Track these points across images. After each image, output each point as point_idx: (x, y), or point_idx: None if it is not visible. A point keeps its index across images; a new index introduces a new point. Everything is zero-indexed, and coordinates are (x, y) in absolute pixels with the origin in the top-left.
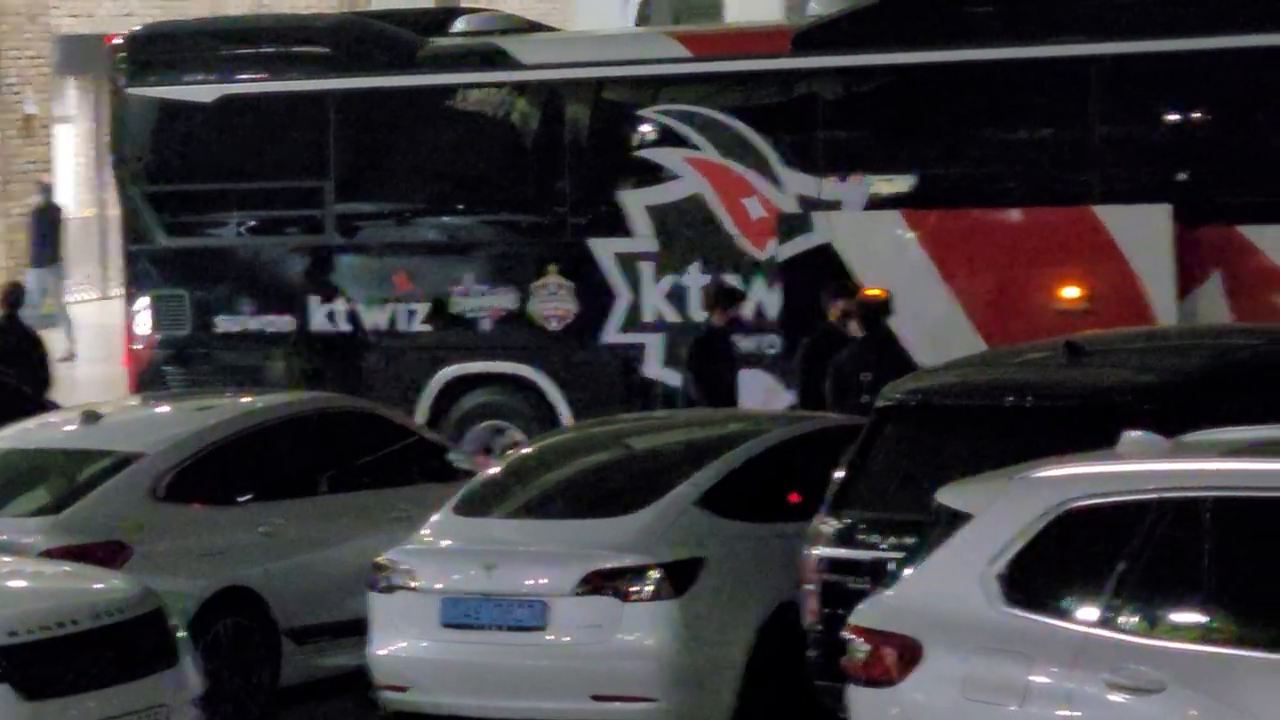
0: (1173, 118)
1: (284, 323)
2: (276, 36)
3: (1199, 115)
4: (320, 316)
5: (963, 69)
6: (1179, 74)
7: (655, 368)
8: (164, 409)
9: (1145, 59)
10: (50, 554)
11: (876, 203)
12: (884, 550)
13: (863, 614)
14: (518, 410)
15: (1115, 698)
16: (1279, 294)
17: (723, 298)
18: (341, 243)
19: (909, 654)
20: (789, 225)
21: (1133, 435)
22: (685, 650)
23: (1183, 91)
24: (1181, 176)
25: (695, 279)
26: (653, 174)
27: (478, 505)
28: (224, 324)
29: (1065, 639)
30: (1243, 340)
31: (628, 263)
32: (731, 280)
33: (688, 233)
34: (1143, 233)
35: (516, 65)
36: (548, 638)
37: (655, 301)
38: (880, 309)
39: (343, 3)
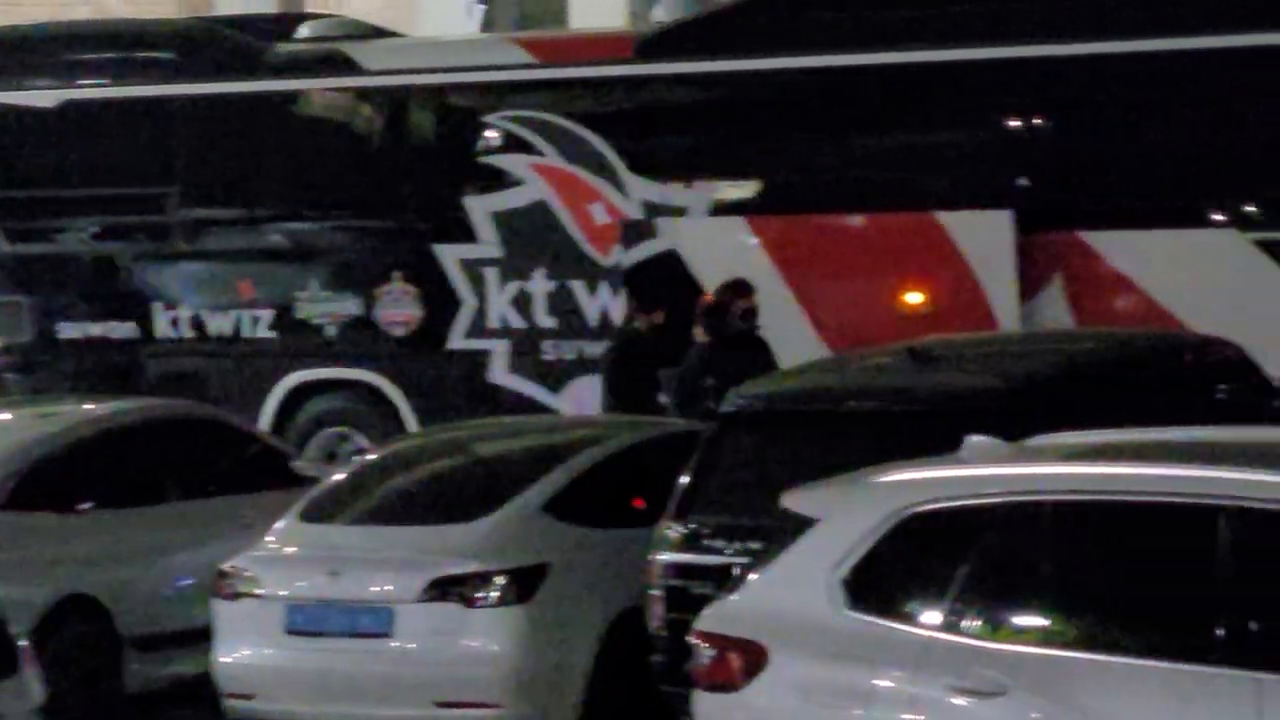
0: (1015, 124)
1: (128, 329)
2: (120, 42)
3: (1041, 121)
4: (164, 323)
5: (807, 76)
6: (1020, 80)
7: (501, 374)
8: (4, 416)
9: (988, 66)
10: None
11: (721, 209)
12: (729, 555)
13: (708, 619)
14: (363, 417)
15: (958, 701)
16: (1121, 299)
17: (645, 303)
18: (186, 249)
19: (754, 659)
20: (634, 231)
21: (975, 440)
22: (530, 656)
23: (1025, 97)
24: (1023, 182)
25: (541, 285)
26: (498, 180)
27: (323, 512)
28: (67, 331)
29: (909, 643)
30: (1085, 345)
31: (473, 269)
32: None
33: (533, 239)
34: (985, 238)
35: (361, 71)
36: (393, 644)
37: (500, 308)
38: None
39: (184, 7)
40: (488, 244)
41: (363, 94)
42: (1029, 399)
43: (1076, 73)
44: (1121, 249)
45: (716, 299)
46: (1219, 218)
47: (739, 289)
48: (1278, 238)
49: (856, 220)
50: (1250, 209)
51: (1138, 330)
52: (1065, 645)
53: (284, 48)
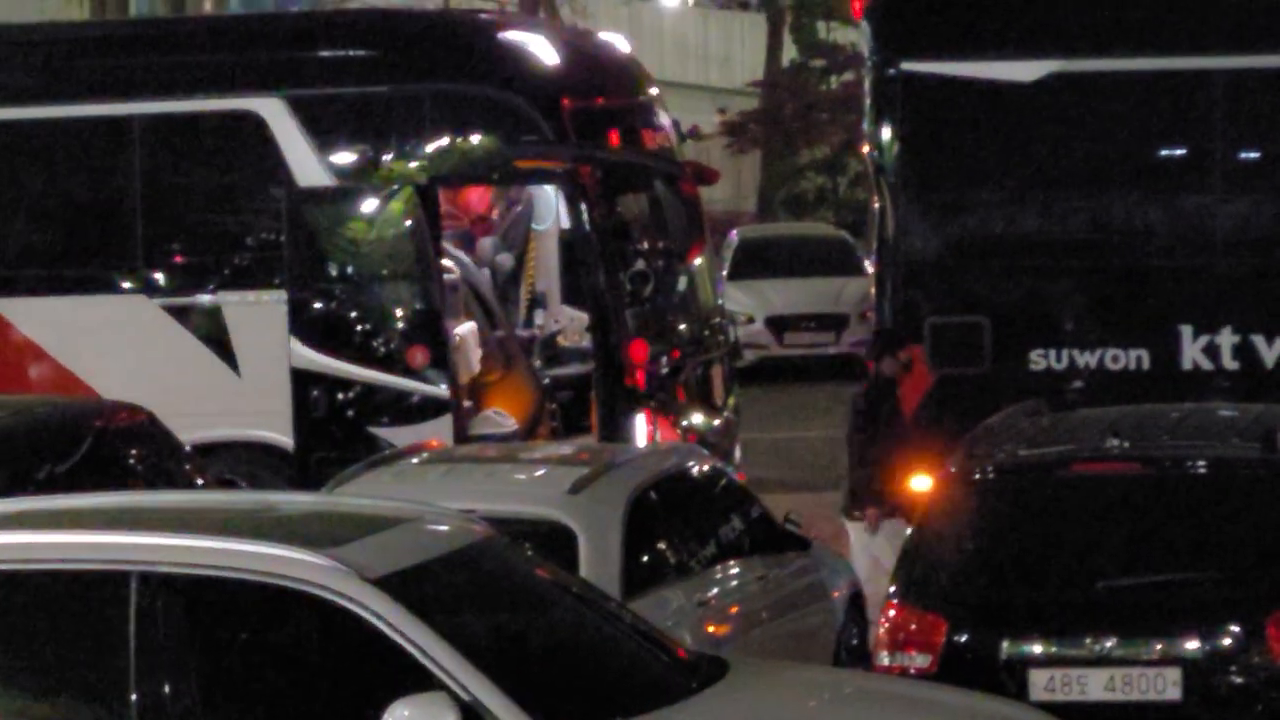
0: None
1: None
2: None
3: None
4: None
5: None
6: None
7: None
8: None
9: None
10: None
11: None
12: None
13: None
14: None
15: None
16: (33, 366)
17: None
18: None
19: None
20: None
21: None
22: None
23: None
24: None
25: None
26: None
27: None
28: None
29: None
30: None
31: None
32: None
33: None
34: None
35: None
36: None
37: None
38: None
39: None
40: None
41: None
42: None
43: None
44: (29, 316)
45: None
46: (128, 285)
47: None
48: (185, 303)
49: None
50: (158, 276)
51: (47, 397)
52: None
53: None
